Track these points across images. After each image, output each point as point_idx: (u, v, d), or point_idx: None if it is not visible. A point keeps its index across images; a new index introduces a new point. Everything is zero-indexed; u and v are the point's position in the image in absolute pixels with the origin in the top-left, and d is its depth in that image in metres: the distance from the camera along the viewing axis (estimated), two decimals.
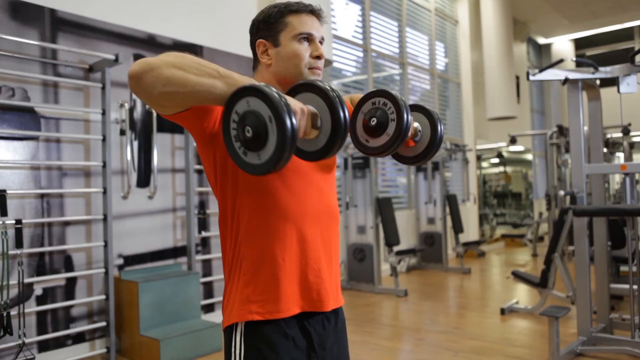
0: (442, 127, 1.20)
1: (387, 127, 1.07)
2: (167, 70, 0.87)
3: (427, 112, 1.20)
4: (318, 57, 1.14)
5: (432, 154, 1.20)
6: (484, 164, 10.04)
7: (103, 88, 3.27)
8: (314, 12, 1.16)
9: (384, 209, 5.35)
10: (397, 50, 7.16)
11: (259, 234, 1.09)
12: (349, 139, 1.10)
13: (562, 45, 12.02)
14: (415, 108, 1.21)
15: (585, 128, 3.51)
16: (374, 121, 1.08)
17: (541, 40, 12.15)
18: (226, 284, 1.15)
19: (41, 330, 3.05)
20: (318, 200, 1.15)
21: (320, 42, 1.16)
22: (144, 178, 3.66)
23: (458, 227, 6.84)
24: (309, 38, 1.14)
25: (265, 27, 1.15)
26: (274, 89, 0.86)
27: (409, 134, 1.12)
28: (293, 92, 0.97)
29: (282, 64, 1.13)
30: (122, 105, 3.54)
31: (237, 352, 1.09)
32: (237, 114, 0.88)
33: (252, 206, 1.09)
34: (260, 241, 1.09)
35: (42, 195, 3.11)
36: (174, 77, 0.87)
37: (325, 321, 1.17)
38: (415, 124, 1.19)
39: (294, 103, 0.89)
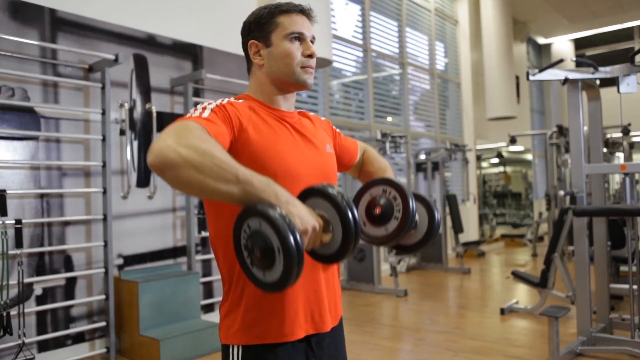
0: (439, 216, 1.16)
1: (388, 222, 1.06)
2: (186, 172, 0.84)
3: (425, 202, 1.17)
4: (310, 56, 1.15)
5: (428, 243, 1.17)
6: (484, 164, 10.04)
7: (103, 88, 3.27)
8: (304, 12, 1.17)
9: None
10: (397, 50, 7.16)
11: None
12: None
13: (562, 45, 12.02)
14: (416, 197, 1.18)
15: (585, 128, 3.52)
16: (377, 210, 1.08)
17: (541, 40, 12.15)
18: (226, 298, 1.13)
19: (41, 330, 3.05)
20: None
21: (312, 41, 1.17)
22: (144, 178, 3.66)
23: (458, 227, 6.84)
24: (300, 37, 1.15)
25: (257, 28, 1.16)
26: (281, 215, 0.84)
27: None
28: (303, 196, 0.96)
29: (274, 64, 1.14)
30: (122, 105, 3.54)
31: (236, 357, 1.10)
32: (248, 227, 0.89)
33: None
34: None
35: (42, 195, 3.11)
36: (192, 181, 0.85)
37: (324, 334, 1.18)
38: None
39: (305, 220, 0.88)
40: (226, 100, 1.10)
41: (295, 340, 1.10)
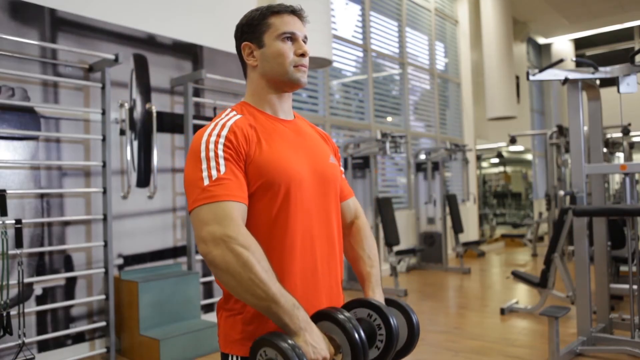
0: (417, 321, 1.16)
1: (369, 349, 1.07)
2: (225, 276, 0.97)
3: (403, 311, 1.18)
4: (302, 55, 1.16)
5: (410, 349, 1.17)
6: (484, 164, 10.04)
7: (103, 88, 3.27)
8: (295, 12, 1.19)
9: (383, 209, 5.35)
10: (397, 50, 7.16)
11: None
12: None
13: (562, 45, 12.02)
14: (392, 303, 1.19)
15: (585, 128, 3.51)
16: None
17: (541, 40, 12.15)
18: (225, 306, 1.13)
19: (41, 330, 3.05)
20: (323, 224, 1.15)
21: (304, 41, 1.18)
22: (144, 178, 3.67)
23: (458, 227, 6.84)
24: (292, 37, 1.16)
25: (249, 30, 1.18)
26: (293, 347, 0.92)
27: None
28: (317, 317, 1.04)
29: (267, 64, 1.15)
30: (122, 105, 3.54)
31: None
32: (265, 354, 0.97)
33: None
34: None
35: (42, 195, 3.11)
36: (228, 284, 0.98)
37: None
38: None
39: (318, 349, 0.96)
40: (228, 124, 1.09)
41: None
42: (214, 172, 1.02)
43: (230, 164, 1.04)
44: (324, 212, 1.16)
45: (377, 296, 1.20)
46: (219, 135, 1.06)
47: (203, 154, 1.04)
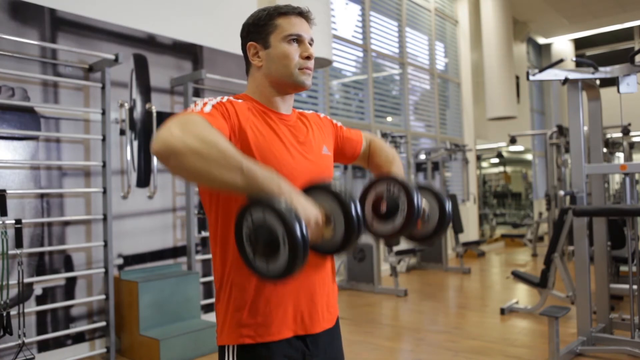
0: (450, 208, 1.18)
1: (394, 219, 1.08)
2: (191, 160, 0.86)
3: (435, 194, 1.19)
4: (308, 58, 1.16)
5: (439, 235, 1.19)
6: (484, 164, 10.04)
7: (103, 88, 3.27)
8: (303, 14, 1.18)
9: None
10: (397, 50, 7.16)
11: None
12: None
13: (562, 45, 12.02)
14: (424, 189, 1.21)
15: (585, 128, 3.51)
16: (383, 206, 1.10)
17: (541, 40, 12.15)
18: (217, 301, 1.15)
19: (41, 330, 3.05)
20: None
21: (310, 43, 1.18)
22: (144, 178, 3.66)
23: (458, 227, 6.84)
24: (298, 39, 1.16)
25: (255, 30, 1.17)
26: (285, 205, 0.86)
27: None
28: (306, 191, 0.98)
29: (272, 66, 1.15)
30: (122, 105, 3.54)
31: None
32: (251, 219, 0.89)
33: None
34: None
35: (42, 195, 3.11)
36: (197, 169, 0.87)
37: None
38: (424, 205, 1.18)
39: (309, 212, 0.90)
40: (226, 98, 1.11)
41: (290, 338, 1.11)
42: (197, 109, 1.02)
43: (216, 111, 1.04)
44: None
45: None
46: (211, 100, 1.08)
47: (193, 104, 1.06)
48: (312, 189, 0.98)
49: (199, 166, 0.86)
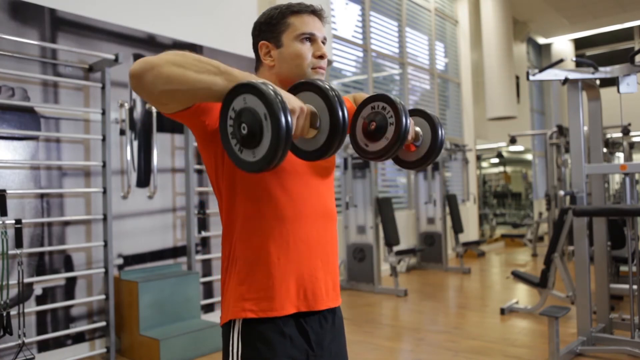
0: (442, 131, 1.20)
1: (386, 131, 1.08)
2: (167, 68, 0.87)
3: (427, 116, 1.21)
4: (321, 57, 1.14)
5: (433, 157, 1.21)
6: (484, 164, 10.04)
7: (103, 88, 3.27)
8: (316, 13, 1.16)
9: (383, 209, 5.35)
10: (397, 50, 7.16)
11: (254, 233, 1.10)
12: (348, 139, 1.10)
13: (562, 45, 12.02)
14: (416, 112, 1.22)
15: (585, 128, 3.52)
16: (373, 125, 1.10)
17: (541, 40, 12.15)
18: (223, 281, 1.15)
19: (41, 330, 3.05)
20: (315, 203, 1.16)
21: (323, 42, 1.16)
22: (144, 178, 3.66)
23: (458, 227, 6.84)
24: (311, 38, 1.14)
25: (267, 29, 1.15)
26: (271, 86, 0.86)
27: (408, 137, 1.13)
28: (293, 90, 0.97)
29: (285, 65, 1.14)
30: (122, 105, 3.54)
31: (235, 349, 1.10)
32: (234, 110, 0.89)
33: (248, 207, 1.10)
34: (255, 241, 1.10)
35: (42, 195, 3.11)
36: (174, 74, 0.87)
37: (323, 320, 1.18)
38: (417, 128, 1.20)
39: (293, 102, 0.89)
40: None
41: (288, 315, 1.10)
42: None
43: None
44: (317, 195, 1.16)
45: None
46: None
47: None
48: (299, 87, 0.97)
49: (177, 72, 0.87)
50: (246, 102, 0.86)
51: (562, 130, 6.92)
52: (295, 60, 1.12)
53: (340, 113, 0.92)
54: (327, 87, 0.94)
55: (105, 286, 3.27)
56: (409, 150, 1.23)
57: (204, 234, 3.96)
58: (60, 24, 3.25)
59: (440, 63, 8.30)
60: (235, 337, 1.10)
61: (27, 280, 2.93)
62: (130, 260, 3.54)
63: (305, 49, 1.13)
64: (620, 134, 6.41)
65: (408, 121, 1.07)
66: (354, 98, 1.37)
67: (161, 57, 0.91)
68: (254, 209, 1.09)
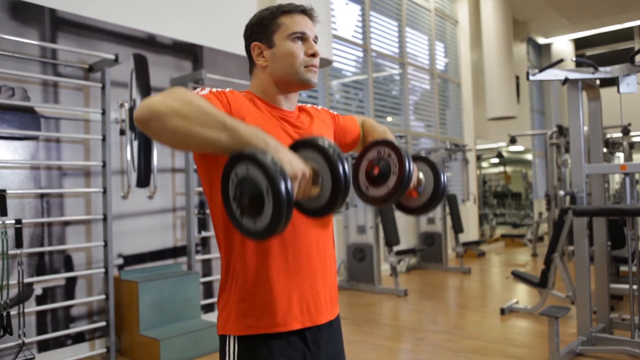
0: (445, 178, 1.18)
1: (387, 180, 1.08)
2: (172, 120, 0.85)
3: (431, 164, 1.19)
4: (313, 55, 1.16)
5: (435, 205, 1.19)
6: (484, 164, 10.04)
7: (103, 88, 3.27)
8: (306, 12, 1.18)
9: (383, 209, 5.35)
10: (397, 50, 7.16)
11: (252, 251, 1.08)
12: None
13: (562, 45, 12.02)
14: (419, 159, 1.21)
15: (585, 128, 3.52)
16: (376, 170, 1.10)
17: (541, 40, 12.15)
18: (222, 289, 1.14)
19: (41, 330, 3.05)
20: (316, 226, 1.15)
21: (315, 41, 1.18)
22: (144, 178, 3.67)
23: (458, 227, 6.84)
24: (302, 37, 1.15)
25: (259, 30, 1.16)
26: (271, 157, 0.84)
27: (410, 187, 1.11)
28: (294, 147, 0.96)
29: (277, 65, 1.14)
30: (122, 105, 3.54)
31: (231, 350, 1.10)
32: (236, 176, 0.88)
33: None
34: (254, 258, 1.08)
35: (42, 195, 3.11)
36: (178, 128, 0.85)
37: None
38: (420, 175, 1.18)
39: (295, 166, 0.88)
40: (227, 89, 1.11)
41: (290, 331, 1.10)
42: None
43: (212, 96, 1.03)
44: None
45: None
46: (212, 88, 1.08)
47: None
48: (299, 146, 0.95)
49: (182, 126, 0.85)
50: (248, 171, 0.85)
51: (562, 130, 6.92)
52: (287, 59, 1.13)
53: (341, 173, 0.91)
54: (327, 145, 0.93)
55: (105, 286, 3.27)
56: (411, 196, 1.21)
57: (204, 234, 3.96)
58: (60, 24, 3.25)
59: (440, 63, 8.30)
60: (232, 345, 1.10)
61: (27, 280, 2.93)
62: (130, 260, 3.54)
63: (297, 47, 1.14)
64: (620, 134, 6.41)
65: (411, 174, 1.07)
66: (362, 122, 1.38)
67: (167, 103, 0.86)
68: None
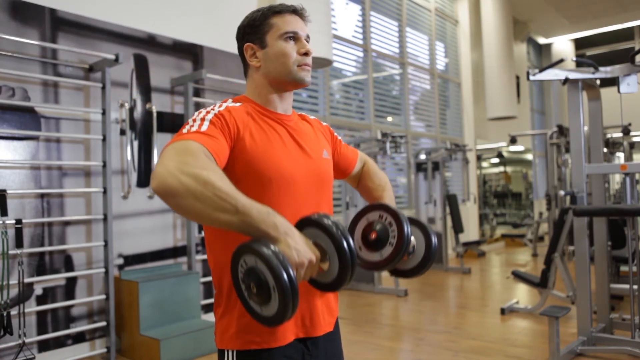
0: (436, 241, 1.16)
1: (382, 248, 1.08)
2: (187, 201, 0.87)
3: (422, 227, 1.17)
4: (305, 54, 1.16)
5: (426, 268, 1.17)
6: (484, 164, 10.03)
7: (103, 88, 3.27)
8: (297, 12, 1.19)
9: None
10: (397, 50, 7.16)
11: None
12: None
13: (562, 45, 12.02)
14: (412, 222, 1.18)
15: (586, 128, 3.52)
16: (373, 235, 1.09)
17: (541, 40, 12.15)
18: (217, 305, 1.13)
19: (41, 330, 3.05)
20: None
21: (307, 40, 1.18)
22: (144, 178, 3.67)
23: (458, 227, 6.84)
24: (294, 37, 1.16)
25: (251, 31, 1.18)
26: (274, 252, 0.86)
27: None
28: (301, 225, 0.97)
29: (270, 65, 1.15)
30: (122, 105, 3.54)
31: (231, 351, 1.10)
32: (245, 263, 0.91)
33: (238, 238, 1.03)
34: None
35: (42, 195, 3.11)
36: (192, 209, 0.88)
37: None
38: (412, 239, 1.16)
39: (301, 255, 0.89)
40: (224, 105, 1.10)
41: (288, 343, 1.10)
42: (194, 128, 1.01)
43: (214, 127, 1.03)
44: (315, 207, 1.16)
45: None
46: (212, 109, 1.07)
47: (192, 119, 1.05)
48: (304, 224, 0.97)
49: (196, 208, 0.87)
50: (256, 263, 0.88)
51: (562, 130, 6.92)
52: (280, 59, 1.14)
53: (347, 251, 0.92)
54: (332, 224, 0.94)
55: (105, 286, 3.27)
56: (402, 259, 1.19)
57: (204, 233, 3.96)
58: (61, 24, 3.25)
59: (441, 63, 8.30)
60: (232, 358, 1.10)
61: (27, 280, 2.93)
62: (131, 260, 3.54)
63: (289, 47, 1.15)
64: (620, 134, 6.41)
65: (407, 249, 1.06)
66: (364, 162, 1.39)
67: (182, 180, 0.87)
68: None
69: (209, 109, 1.08)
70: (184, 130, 1.00)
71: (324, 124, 1.34)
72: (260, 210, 0.89)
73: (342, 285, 0.96)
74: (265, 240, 0.88)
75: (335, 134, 1.36)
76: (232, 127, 1.06)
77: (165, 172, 0.88)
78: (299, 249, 0.90)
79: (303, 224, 0.97)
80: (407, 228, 1.07)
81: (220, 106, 1.09)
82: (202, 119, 1.03)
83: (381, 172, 1.38)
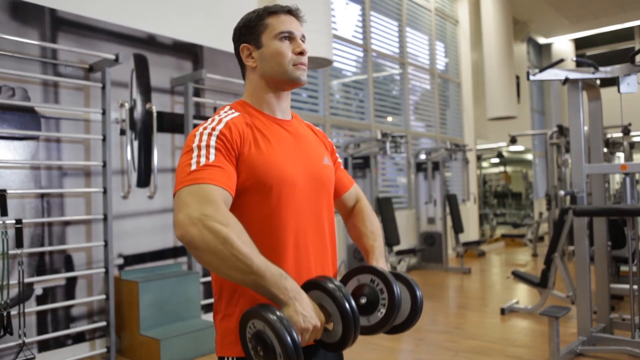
0: (420, 294, 1.14)
1: (370, 315, 1.08)
2: (207, 256, 0.94)
3: (409, 285, 1.15)
4: (301, 54, 1.17)
5: (413, 323, 1.15)
6: (484, 164, 10.03)
7: (103, 88, 3.27)
8: (292, 12, 1.20)
9: (384, 208, 5.35)
10: (397, 50, 7.16)
11: None
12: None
13: (562, 45, 12.02)
14: (398, 278, 1.16)
15: (586, 128, 3.52)
16: (363, 299, 1.09)
17: (541, 40, 12.15)
18: (218, 308, 1.13)
19: (41, 330, 3.06)
20: (314, 225, 1.15)
21: (302, 40, 1.19)
22: (144, 178, 3.67)
23: (458, 227, 6.84)
24: (289, 36, 1.17)
25: (247, 32, 1.19)
26: (281, 319, 0.91)
27: None
28: (307, 287, 1.02)
29: (266, 65, 1.16)
30: (122, 105, 3.54)
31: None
32: (253, 326, 0.96)
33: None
34: None
35: (42, 195, 3.11)
36: (211, 264, 0.95)
37: None
38: None
39: (307, 321, 0.94)
40: (224, 122, 1.09)
41: None
42: (202, 160, 1.02)
43: (220, 155, 1.04)
44: (316, 213, 1.16)
45: (381, 265, 1.20)
46: (213, 129, 1.07)
47: (195, 144, 1.05)
48: (309, 287, 1.02)
49: (214, 263, 0.94)
50: (264, 328, 0.93)
51: (562, 130, 6.92)
52: (276, 59, 1.15)
53: (350, 314, 0.97)
54: (335, 287, 0.99)
55: (105, 286, 3.27)
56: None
57: None
58: (61, 24, 3.25)
59: (441, 63, 8.30)
60: None
61: (27, 280, 2.94)
62: (131, 260, 3.54)
63: (284, 47, 1.15)
64: (620, 134, 6.41)
65: (394, 320, 1.07)
66: (357, 198, 1.37)
67: (204, 235, 0.93)
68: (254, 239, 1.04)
69: (209, 128, 1.07)
70: (192, 162, 1.02)
71: (329, 140, 1.34)
72: (274, 273, 0.95)
73: (346, 346, 1.00)
74: (273, 307, 0.94)
75: (337, 155, 1.36)
76: (235, 146, 1.07)
77: (188, 222, 0.94)
78: (306, 314, 0.95)
79: (309, 287, 1.02)
80: (399, 300, 1.07)
81: (219, 122, 1.09)
82: (207, 146, 1.05)
83: (374, 217, 1.35)
